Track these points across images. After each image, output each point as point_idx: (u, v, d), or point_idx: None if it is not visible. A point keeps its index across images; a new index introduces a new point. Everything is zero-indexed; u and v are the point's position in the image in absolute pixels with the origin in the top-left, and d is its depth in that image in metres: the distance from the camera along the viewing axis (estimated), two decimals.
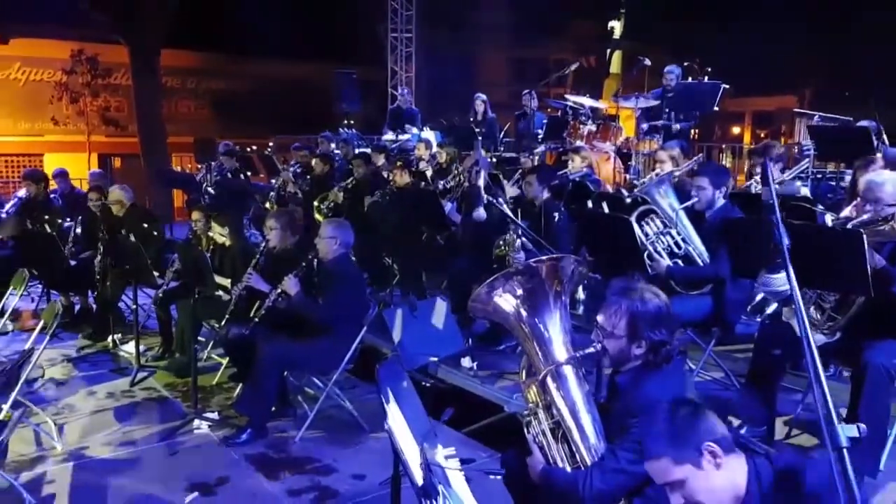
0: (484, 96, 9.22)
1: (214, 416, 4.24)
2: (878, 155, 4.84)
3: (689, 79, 7.67)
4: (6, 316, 5.58)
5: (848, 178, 5.76)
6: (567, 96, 8.78)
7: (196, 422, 4.14)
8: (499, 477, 2.49)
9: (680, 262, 3.98)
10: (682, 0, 16.35)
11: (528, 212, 4.97)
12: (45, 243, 5.63)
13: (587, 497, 2.10)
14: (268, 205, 7.87)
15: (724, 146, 11.97)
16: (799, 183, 5.85)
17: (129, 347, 5.28)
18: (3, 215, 6.85)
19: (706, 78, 7.69)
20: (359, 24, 15.63)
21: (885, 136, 5.84)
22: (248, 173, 9.09)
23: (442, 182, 6.86)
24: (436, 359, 4.56)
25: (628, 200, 5.15)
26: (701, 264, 3.96)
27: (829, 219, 3.72)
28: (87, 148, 14.94)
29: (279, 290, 4.08)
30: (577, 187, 5.97)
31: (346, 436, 4.00)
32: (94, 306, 6.04)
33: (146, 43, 13.12)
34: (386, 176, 7.27)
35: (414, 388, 2.40)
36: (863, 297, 2.98)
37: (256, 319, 4.13)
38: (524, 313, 2.39)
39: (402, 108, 10.72)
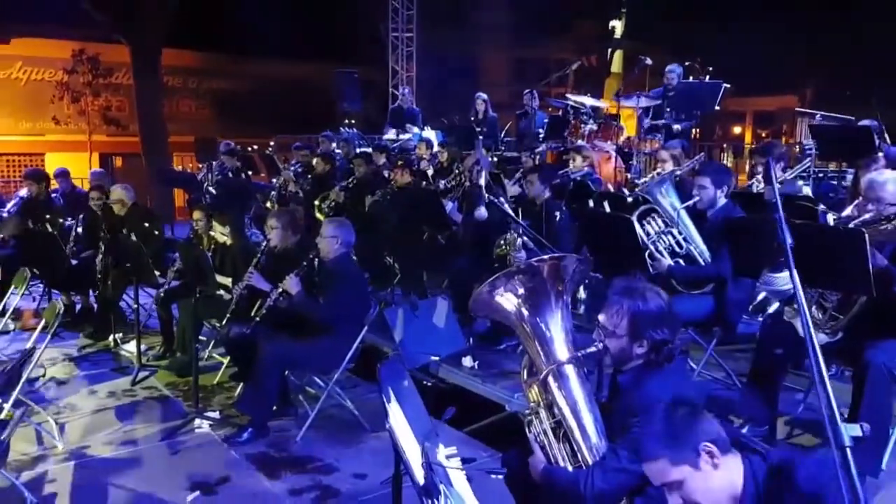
0: (485, 96, 9.21)
1: (215, 415, 4.24)
2: (880, 154, 4.84)
3: (691, 78, 7.66)
4: (8, 315, 5.58)
5: (849, 177, 5.77)
6: (568, 95, 8.77)
7: (197, 421, 4.14)
8: (500, 476, 2.49)
9: (681, 261, 3.98)
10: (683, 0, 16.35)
11: (530, 211, 4.96)
12: (46, 243, 5.64)
13: (588, 496, 2.10)
14: (269, 204, 7.87)
15: (725, 146, 11.96)
16: (801, 182, 5.84)
17: (131, 347, 5.29)
18: (5, 215, 6.86)
19: (707, 77, 7.68)
20: (360, 23, 15.63)
21: (886, 136, 5.84)
22: (249, 173, 9.09)
23: (443, 182, 6.86)
24: (437, 358, 4.56)
25: (630, 200, 5.15)
26: (702, 263, 3.96)
27: (830, 218, 3.72)
28: (88, 147, 14.97)
29: (280, 290, 4.08)
30: (579, 186, 5.97)
31: (347, 435, 4.00)
32: (96, 305, 6.05)
33: (147, 42, 13.13)
34: (387, 175, 7.27)
35: (415, 387, 2.40)
36: (865, 297, 2.98)
37: (257, 319, 4.13)
38: (525, 312, 2.39)
39: (403, 107, 10.72)
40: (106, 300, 5.73)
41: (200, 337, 5.04)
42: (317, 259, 4.16)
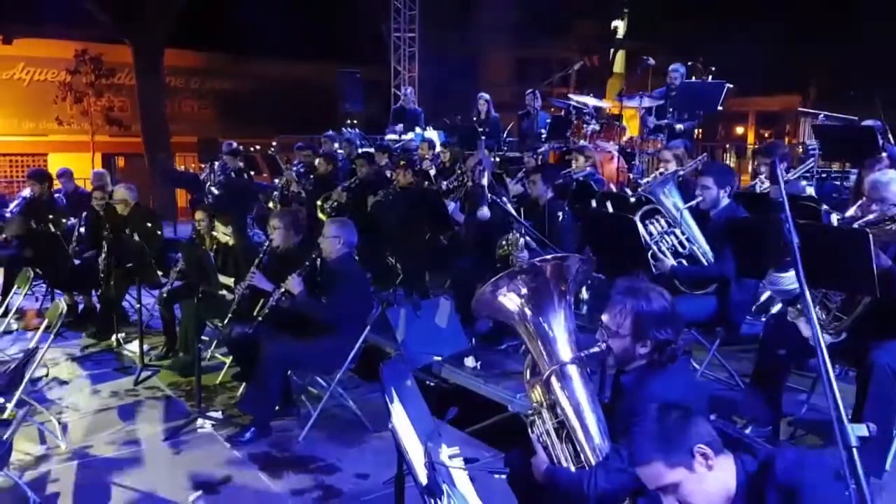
0: (487, 96, 9.21)
1: (218, 415, 4.24)
2: (884, 154, 4.83)
3: (693, 78, 7.66)
4: (11, 315, 5.59)
5: (853, 177, 5.75)
6: (570, 96, 8.78)
7: (200, 421, 4.14)
8: (503, 476, 2.48)
9: (684, 261, 3.97)
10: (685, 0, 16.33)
11: (532, 211, 4.96)
12: (49, 243, 5.64)
13: (591, 497, 2.10)
14: (271, 204, 7.87)
15: (727, 146, 11.95)
16: (804, 182, 5.83)
17: (133, 346, 5.29)
18: (8, 215, 6.87)
19: (710, 77, 7.67)
20: (362, 23, 15.63)
21: (890, 136, 5.82)
22: (252, 173, 9.10)
23: (445, 182, 6.86)
24: (439, 358, 4.55)
25: (632, 200, 5.14)
26: (705, 264, 3.95)
27: (834, 218, 3.71)
28: (90, 148, 14.99)
29: (282, 290, 4.08)
30: (581, 186, 5.96)
31: (349, 435, 4.00)
32: (98, 305, 6.06)
33: (150, 43, 13.15)
34: (389, 176, 7.27)
35: (417, 387, 2.40)
36: (869, 298, 2.97)
37: (260, 319, 4.13)
38: (528, 312, 2.38)
39: (405, 107, 10.72)
40: (108, 300, 5.74)
41: (203, 337, 5.04)
42: (319, 259, 4.17)
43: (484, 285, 2.41)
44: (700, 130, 8.21)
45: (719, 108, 7.24)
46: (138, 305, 5.06)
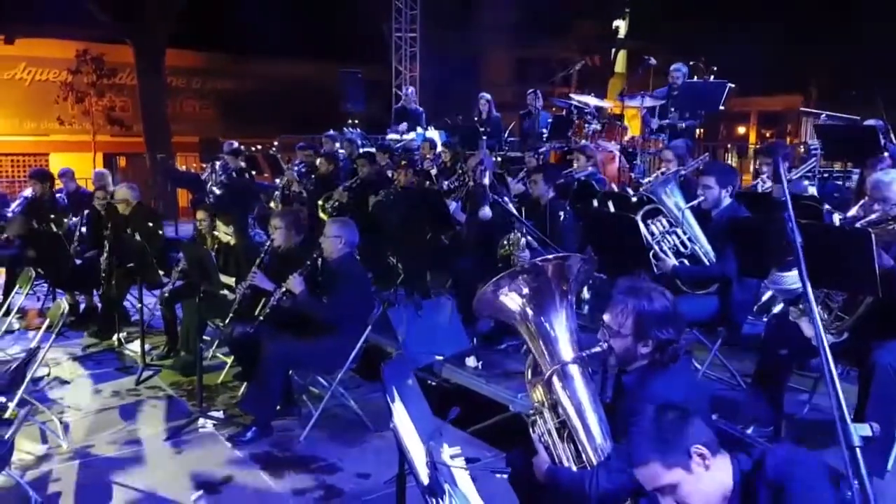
0: (488, 96, 9.21)
1: (219, 414, 4.24)
2: (886, 154, 4.82)
3: (695, 78, 7.65)
4: (12, 314, 5.59)
5: (855, 177, 5.75)
6: (572, 95, 8.77)
7: (201, 420, 4.14)
8: (504, 476, 2.48)
9: (686, 261, 3.97)
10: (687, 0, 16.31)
11: (534, 211, 4.95)
12: (50, 242, 5.65)
13: (593, 496, 2.09)
14: (272, 204, 7.88)
15: (729, 146, 11.93)
16: (806, 182, 5.83)
17: (135, 346, 5.30)
18: (10, 215, 6.88)
19: (712, 77, 7.66)
20: (363, 23, 15.63)
21: (892, 135, 5.81)
22: (253, 172, 9.10)
23: (446, 181, 6.86)
24: (440, 358, 4.55)
25: (634, 199, 5.13)
26: (707, 264, 3.94)
27: (836, 218, 3.70)
28: (92, 148, 14.99)
29: (284, 289, 4.08)
30: (583, 186, 5.95)
31: (350, 435, 4.00)
32: (100, 305, 6.06)
33: (151, 43, 13.17)
34: (390, 175, 7.27)
35: (419, 387, 2.39)
36: (871, 298, 2.96)
37: (261, 318, 4.13)
38: (530, 312, 2.38)
39: (406, 107, 10.72)
40: (110, 300, 5.74)
41: (204, 336, 5.05)
42: (320, 259, 4.17)
43: (485, 285, 2.41)
44: (702, 130, 8.20)
45: (721, 107, 7.24)
46: (140, 305, 5.06)
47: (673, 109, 7.41)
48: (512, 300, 2.40)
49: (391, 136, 10.21)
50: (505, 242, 4.69)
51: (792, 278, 2.96)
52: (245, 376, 4.46)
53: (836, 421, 1.34)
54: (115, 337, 5.60)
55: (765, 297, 4.53)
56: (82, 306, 6.32)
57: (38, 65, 16.64)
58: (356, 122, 11.13)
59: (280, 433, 4.02)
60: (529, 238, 4.52)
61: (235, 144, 9.19)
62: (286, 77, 18.40)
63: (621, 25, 18.21)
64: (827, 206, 4.43)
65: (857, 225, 3.11)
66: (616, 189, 6.56)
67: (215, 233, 5.17)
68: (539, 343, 2.37)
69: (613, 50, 18.15)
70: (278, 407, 4.12)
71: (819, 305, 3.13)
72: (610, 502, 2.10)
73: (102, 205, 6.22)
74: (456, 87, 13.84)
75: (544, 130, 8.46)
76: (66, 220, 6.59)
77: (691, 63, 7.72)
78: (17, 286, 5.44)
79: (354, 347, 4.07)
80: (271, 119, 15.87)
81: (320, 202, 7.20)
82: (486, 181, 5.43)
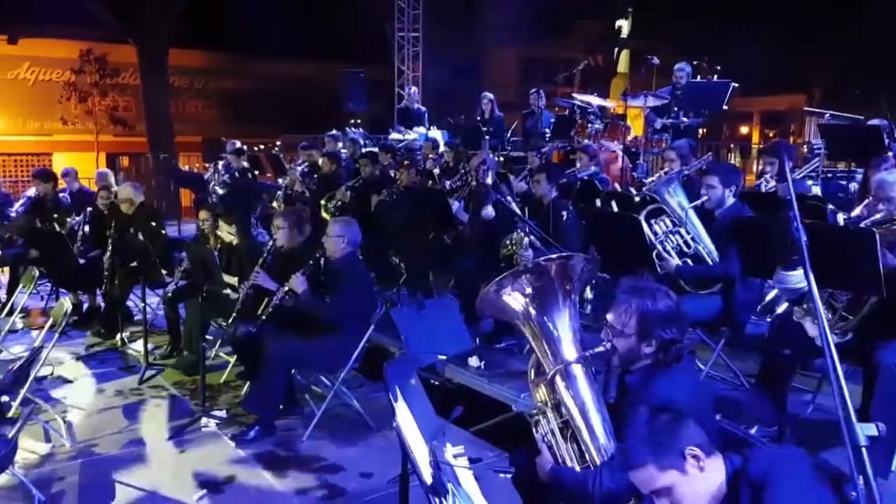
0: (491, 95, 9.20)
1: (222, 414, 4.25)
2: (890, 154, 4.80)
3: (698, 77, 7.64)
4: (16, 314, 5.61)
5: (858, 177, 5.73)
6: (575, 95, 8.75)
7: (204, 420, 4.15)
8: (508, 476, 2.48)
9: (689, 261, 3.96)
10: None
11: (537, 210, 4.95)
12: (54, 242, 5.66)
13: (596, 496, 2.09)
14: (275, 204, 7.89)
15: (732, 145, 11.91)
16: (810, 182, 5.81)
17: (138, 345, 5.31)
18: (14, 214, 6.89)
19: (715, 77, 7.65)
20: (366, 23, 15.63)
21: None
22: (256, 172, 9.12)
23: (449, 181, 6.86)
24: (443, 357, 4.55)
25: (637, 199, 5.12)
26: (710, 263, 3.93)
27: (840, 218, 3.69)
28: (95, 147, 15.02)
29: (286, 289, 4.08)
30: (586, 186, 5.94)
31: (353, 434, 4.00)
32: (103, 304, 6.07)
33: (154, 43, 13.20)
34: (393, 175, 7.27)
35: (422, 386, 2.39)
36: (875, 297, 2.96)
37: (264, 318, 4.14)
38: (533, 312, 2.38)
39: (409, 107, 10.72)
40: (113, 299, 5.75)
41: (207, 336, 5.05)
42: (323, 258, 4.17)
43: (488, 285, 2.41)
44: (704, 130, 8.18)
45: (725, 107, 7.23)
46: (143, 304, 5.07)
47: (676, 109, 7.40)
48: (515, 300, 2.40)
49: (394, 135, 10.21)
50: (508, 242, 4.68)
51: (797, 277, 2.95)
52: (248, 376, 4.47)
53: (840, 421, 1.33)
54: (118, 336, 5.61)
55: (768, 297, 4.51)
56: (85, 306, 6.33)
57: (42, 65, 16.68)
58: (359, 121, 11.13)
59: (283, 432, 4.02)
60: (532, 238, 4.51)
61: (238, 144, 9.21)
62: (289, 77, 18.41)
63: (624, 25, 18.16)
64: (831, 206, 4.42)
65: (862, 225, 3.09)
66: (619, 189, 6.55)
67: (218, 232, 5.17)
68: (542, 343, 2.37)
69: (616, 49, 18.10)
70: (281, 406, 4.13)
71: (823, 305, 3.12)
72: (613, 502, 2.10)
73: (106, 204, 6.23)
74: (459, 87, 13.83)
75: (547, 130, 8.45)
76: (69, 219, 6.60)
77: (695, 62, 7.70)
78: (21, 285, 5.46)
79: (357, 347, 4.07)
80: (274, 119, 15.89)
81: (323, 202, 7.21)
82: (489, 181, 5.43)
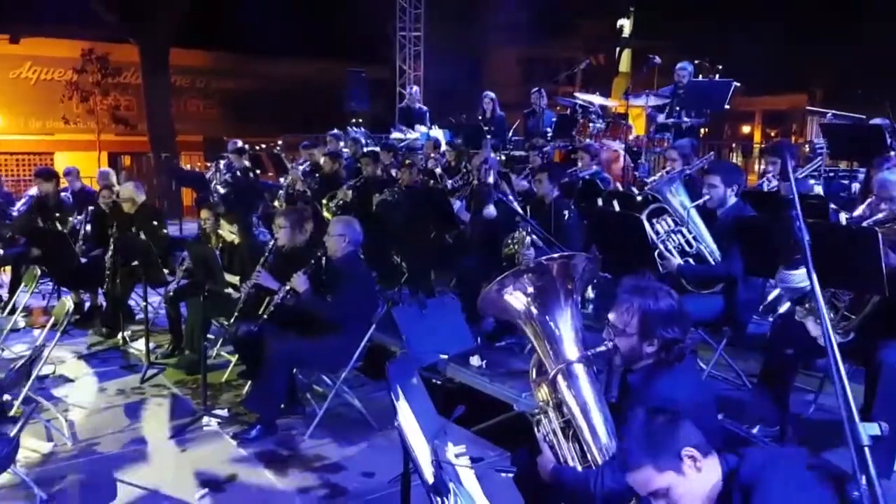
0: (492, 94, 9.20)
1: (224, 413, 4.25)
2: (892, 153, 4.79)
3: (700, 77, 7.63)
4: (18, 313, 5.61)
5: (861, 176, 5.72)
6: (576, 94, 8.74)
7: (206, 419, 4.15)
8: (509, 475, 2.48)
9: (691, 260, 3.95)
10: None
11: (538, 209, 4.95)
12: (56, 241, 5.66)
13: (598, 496, 2.09)
14: (277, 203, 7.89)
15: (734, 145, 11.89)
16: (812, 181, 5.80)
17: (139, 344, 5.31)
18: (16, 213, 6.90)
19: (717, 76, 7.64)
20: (367, 22, 15.64)
21: None
22: (257, 171, 9.12)
23: (450, 181, 6.86)
24: (445, 357, 4.55)
25: (639, 198, 5.12)
26: (712, 263, 3.93)
27: (843, 217, 3.68)
28: (97, 147, 15.04)
29: (288, 288, 4.08)
30: (588, 185, 5.94)
31: (354, 433, 4.00)
32: (104, 303, 6.08)
33: (156, 42, 13.21)
34: (394, 174, 7.27)
35: (423, 386, 2.39)
36: (877, 297, 2.95)
37: (265, 317, 4.14)
38: (535, 311, 2.38)
39: (411, 106, 10.72)
40: (114, 298, 5.76)
41: (209, 335, 5.05)
42: (324, 257, 4.17)
43: (490, 284, 2.41)
44: (706, 129, 8.17)
45: (726, 106, 7.22)
46: (144, 303, 5.07)
47: (678, 108, 7.39)
48: (517, 299, 2.40)
49: (395, 135, 10.21)
50: (509, 241, 4.68)
51: (799, 276, 2.94)
52: (249, 375, 4.47)
53: (843, 420, 1.33)
54: (119, 335, 5.61)
55: (770, 297, 4.51)
56: (87, 305, 6.34)
57: (43, 64, 16.71)
58: (360, 121, 11.13)
59: (284, 432, 4.02)
60: (534, 237, 4.51)
61: (240, 143, 9.21)
62: (290, 76, 18.43)
63: (626, 24, 18.15)
64: (833, 206, 4.41)
65: (864, 224, 3.09)
66: (621, 188, 6.55)
67: (220, 231, 5.18)
68: (544, 342, 2.36)
69: (618, 49, 18.10)
70: (282, 405, 4.13)
71: (825, 305, 3.11)
72: (615, 502, 2.09)
73: (107, 203, 6.24)
74: (460, 86, 13.83)
75: (549, 129, 8.45)
76: (70, 218, 6.60)
77: (696, 62, 7.70)
78: (23, 284, 5.47)
79: (358, 346, 4.07)
80: (275, 118, 15.89)
81: (324, 201, 7.21)
82: (491, 180, 5.42)
